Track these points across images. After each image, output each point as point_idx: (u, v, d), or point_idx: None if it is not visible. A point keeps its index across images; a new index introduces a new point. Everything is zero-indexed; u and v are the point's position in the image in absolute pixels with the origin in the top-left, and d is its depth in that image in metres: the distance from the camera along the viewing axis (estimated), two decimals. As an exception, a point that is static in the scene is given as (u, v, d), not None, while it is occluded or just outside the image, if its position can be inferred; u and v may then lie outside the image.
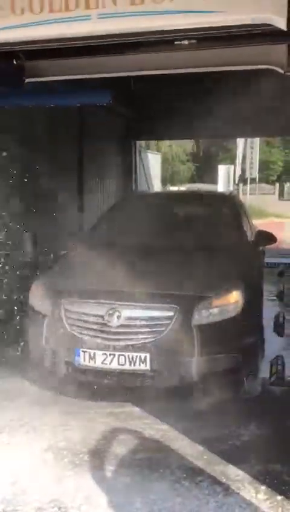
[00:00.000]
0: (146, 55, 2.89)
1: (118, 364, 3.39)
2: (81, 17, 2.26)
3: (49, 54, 2.88)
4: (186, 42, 2.58)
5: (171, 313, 3.43)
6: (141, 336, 3.40)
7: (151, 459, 2.93)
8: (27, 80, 3.38)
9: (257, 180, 25.76)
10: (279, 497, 2.58)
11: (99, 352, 3.43)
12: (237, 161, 24.54)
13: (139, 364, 3.36)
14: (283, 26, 2.05)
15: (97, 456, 2.98)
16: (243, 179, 25.30)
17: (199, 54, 2.88)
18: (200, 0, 2.03)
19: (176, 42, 2.56)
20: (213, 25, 2.14)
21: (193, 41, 2.55)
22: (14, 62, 3.21)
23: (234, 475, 2.78)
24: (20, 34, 2.41)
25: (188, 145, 26.64)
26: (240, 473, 2.79)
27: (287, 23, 2.00)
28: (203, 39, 2.47)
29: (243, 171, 24.18)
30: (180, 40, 2.54)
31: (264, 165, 30.86)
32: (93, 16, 2.24)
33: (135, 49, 2.76)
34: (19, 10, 2.33)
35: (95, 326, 3.50)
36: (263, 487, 2.66)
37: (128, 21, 2.21)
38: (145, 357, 3.36)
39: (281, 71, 2.73)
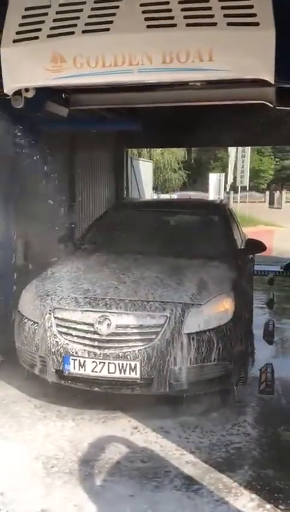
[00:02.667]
0: (167, 92, 3.92)
1: (108, 372, 3.39)
2: (126, 71, 3.07)
3: (91, 89, 3.85)
4: (198, 84, 3.50)
5: (161, 321, 3.44)
6: (131, 344, 3.40)
7: (142, 468, 2.92)
8: (70, 108, 4.33)
9: (248, 188, 25.95)
10: (268, 506, 2.59)
11: (89, 360, 3.42)
12: (228, 169, 24.71)
13: (130, 373, 3.36)
14: (271, 80, 2.94)
15: (87, 464, 2.96)
16: (233, 187, 25.48)
17: (206, 91, 3.86)
18: (212, 62, 2.94)
19: (190, 83, 3.51)
20: (219, 78, 3.11)
21: (203, 83, 3.49)
22: (63, 96, 4.17)
23: (228, 482, 2.77)
24: (78, 81, 3.21)
25: (180, 153, 26.72)
26: (233, 480, 2.78)
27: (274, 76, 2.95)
28: (210, 82, 3.40)
29: (234, 179, 24.35)
30: (194, 82, 3.49)
31: (255, 174, 31.13)
32: (135, 70, 3.05)
33: (160, 87, 3.79)
34: (79, 64, 3.12)
35: (85, 334, 3.50)
36: (254, 495, 2.66)
37: (160, 74, 3.08)
38: (136, 365, 3.35)
39: (271, 105, 3.60)
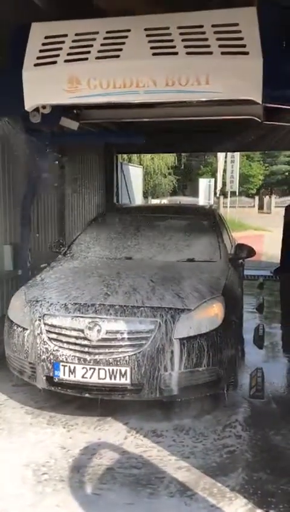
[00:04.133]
0: (167, 108, 4.41)
1: (98, 378, 3.38)
2: (133, 92, 3.54)
3: (99, 106, 4.28)
4: (195, 101, 3.94)
5: (152, 326, 3.43)
6: (121, 350, 3.39)
7: (134, 474, 2.91)
8: (80, 122, 4.83)
9: (237, 193, 26.11)
10: (259, 511, 2.59)
11: (79, 367, 3.41)
12: (218, 175, 24.85)
13: (120, 378, 3.35)
14: (259, 100, 3.37)
15: (77, 471, 2.94)
16: (223, 192, 25.62)
17: (203, 108, 4.34)
18: (209, 85, 3.39)
19: (187, 101, 3.92)
20: (214, 98, 3.59)
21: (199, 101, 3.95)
22: (75, 112, 4.69)
23: (221, 487, 2.77)
24: (91, 100, 3.66)
25: (170, 158, 26.84)
26: (225, 484, 2.78)
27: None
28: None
29: (224, 184, 24.48)
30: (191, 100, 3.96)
31: (244, 179, 31.32)
32: (141, 91, 3.53)
33: (160, 104, 4.22)
34: (92, 86, 3.58)
35: (75, 340, 3.48)
36: (246, 500, 2.66)
37: (163, 95, 3.54)
38: (126, 370, 3.35)
39: (259, 120, 4.10)
